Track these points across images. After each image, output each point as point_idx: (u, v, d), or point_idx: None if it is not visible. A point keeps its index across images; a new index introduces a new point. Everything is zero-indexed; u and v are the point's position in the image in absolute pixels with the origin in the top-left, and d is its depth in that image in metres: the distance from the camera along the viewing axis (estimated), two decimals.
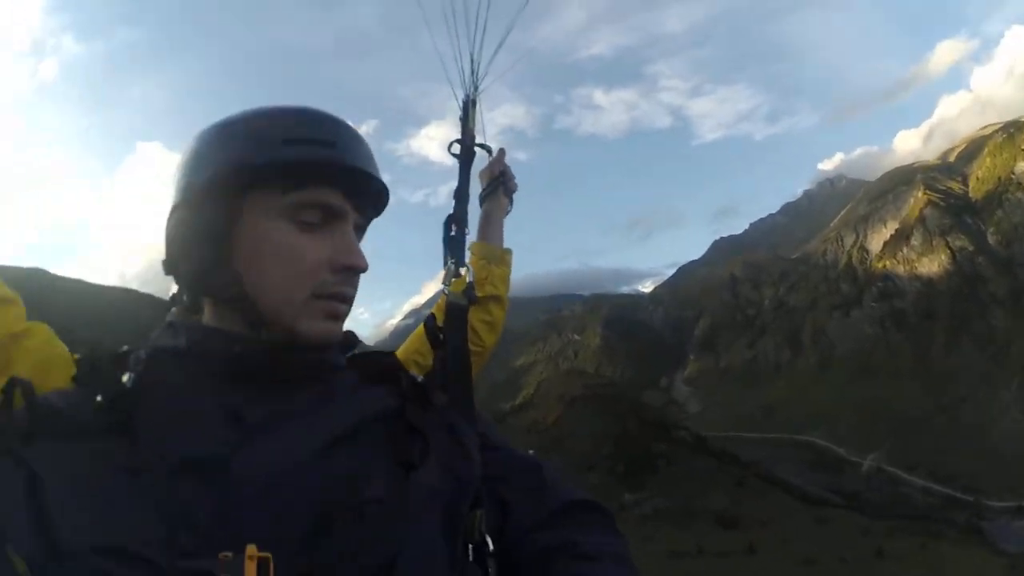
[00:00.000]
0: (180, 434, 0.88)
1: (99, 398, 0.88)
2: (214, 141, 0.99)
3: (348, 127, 1.02)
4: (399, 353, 1.80)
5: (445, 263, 1.71)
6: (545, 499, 1.10)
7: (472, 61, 1.90)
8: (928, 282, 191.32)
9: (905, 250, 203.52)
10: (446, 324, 1.47)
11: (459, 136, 1.93)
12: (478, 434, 1.13)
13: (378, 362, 1.13)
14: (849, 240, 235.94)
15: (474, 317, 1.81)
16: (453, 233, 1.77)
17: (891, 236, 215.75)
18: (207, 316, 1.02)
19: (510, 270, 2.14)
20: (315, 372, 1.01)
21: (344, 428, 0.96)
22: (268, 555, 0.79)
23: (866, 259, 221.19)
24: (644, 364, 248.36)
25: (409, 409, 1.04)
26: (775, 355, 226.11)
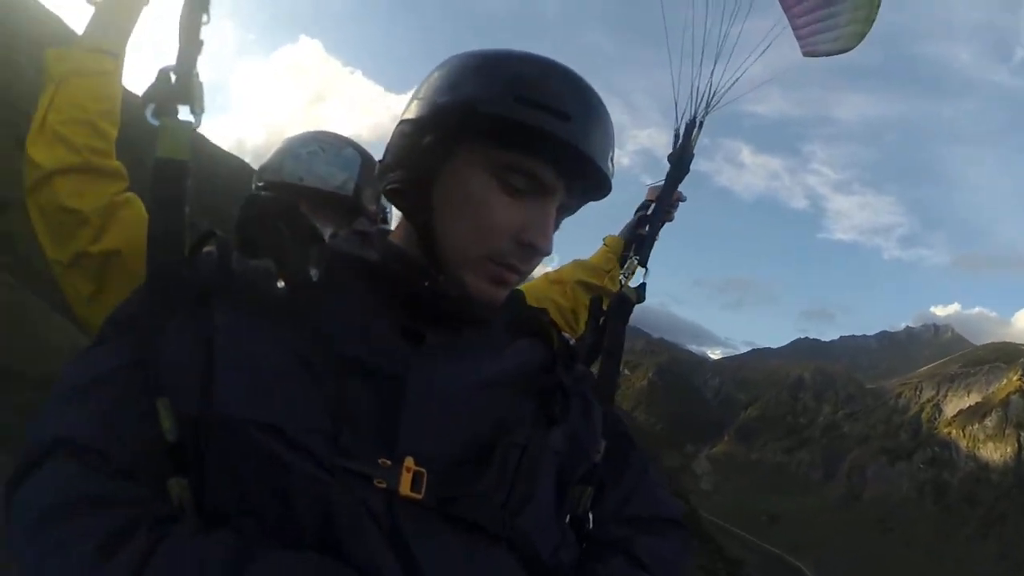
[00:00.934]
0: (359, 339, 0.91)
1: (281, 283, 0.91)
2: (460, 72, 0.98)
3: (593, 102, 0.99)
4: (528, 287, 1.87)
5: (628, 258, 1.88)
6: (637, 501, 1.13)
7: (710, 85, 1.92)
8: (984, 467, 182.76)
9: (976, 427, 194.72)
10: (613, 312, 1.56)
11: (671, 152, 1.99)
12: (607, 416, 1.16)
13: (536, 317, 1.15)
14: (927, 394, 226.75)
15: (581, 301, 1.89)
16: (646, 231, 1.92)
17: (969, 407, 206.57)
18: (396, 235, 1.06)
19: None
20: (482, 320, 1.02)
21: (506, 373, 1.01)
22: (423, 470, 0.83)
23: (935, 419, 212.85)
24: (679, 425, 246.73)
25: (560, 368, 1.08)
26: (806, 471, 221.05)
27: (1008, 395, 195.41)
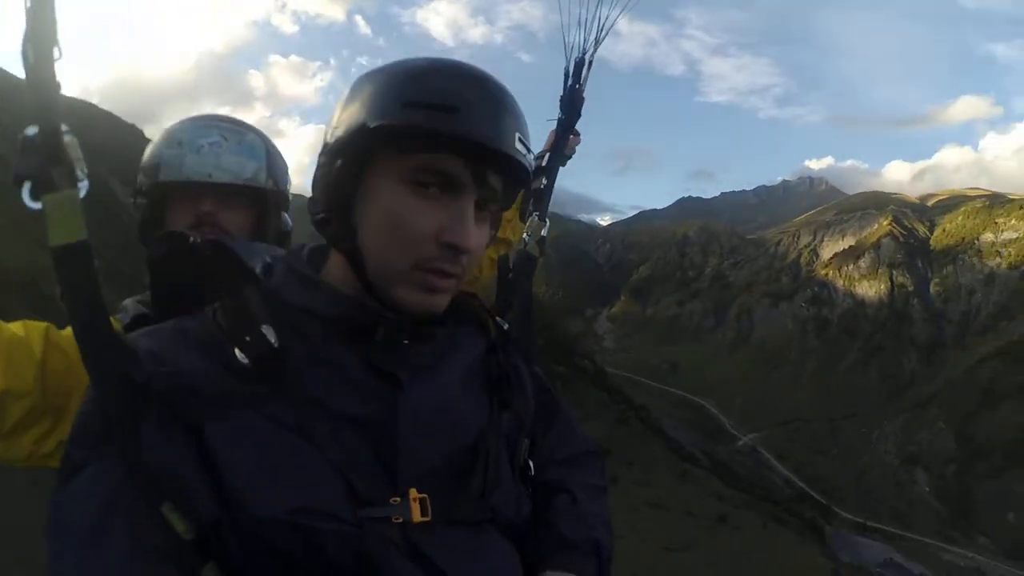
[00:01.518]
0: (337, 391, 0.92)
1: (240, 355, 0.88)
2: (352, 95, 0.97)
3: (484, 89, 0.94)
4: None
5: (527, 214, 1.75)
6: (564, 444, 1.26)
7: (598, 20, 1.81)
8: (860, 303, 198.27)
9: (851, 267, 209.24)
10: (518, 269, 1.56)
11: (562, 95, 1.89)
12: (533, 376, 1.25)
13: (469, 304, 1.16)
14: (805, 240, 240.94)
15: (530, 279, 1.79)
16: (543, 185, 1.81)
17: (843, 250, 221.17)
18: (331, 265, 1.02)
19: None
20: (430, 335, 1.02)
21: (462, 374, 1.05)
22: (425, 495, 0.90)
23: (813, 263, 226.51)
24: (577, 292, 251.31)
25: (500, 355, 1.13)
26: (698, 320, 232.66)
27: (879, 238, 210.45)
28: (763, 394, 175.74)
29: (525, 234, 1.70)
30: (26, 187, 0.93)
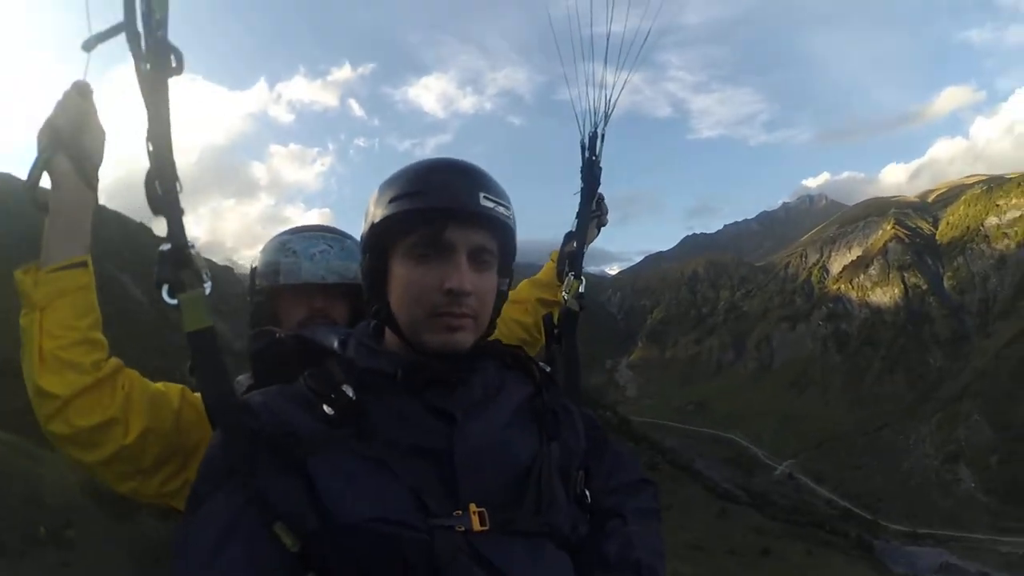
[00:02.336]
0: (405, 430, 1.16)
1: (328, 409, 1.15)
2: (370, 203, 1.27)
3: (444, 169, 1.24)
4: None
5: (564, 275, 2.02)
6: (617, 473, 1.45)
7: (605, 97, 2.06)
8: (876, 311, 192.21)
9: (862, 277, 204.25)
10: (563, 325, 1.83)
11: (581, 166, 2.14)
12: (583, 415, 1.45)
13: (512, 354, 1.38)
14: (813, 258, 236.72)
15: (574, 333, 1.97)
16: (574, 248, 2.06)
17: (852, 261, 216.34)
18: (388, 336, 1.29)
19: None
20: (468, 372, 1.25)
21: (511, 411, 1.27)
22: (484, 509, 1.11)
23: (824, 279, 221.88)
24: (594, 344, 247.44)
25: (545, 394, 1.34)
26: (718, 355, 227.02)
27: (885, 243, 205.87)
28: (793, 419, 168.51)
29: (564, 293, 1.95)
30: (164, 289, 1.26)
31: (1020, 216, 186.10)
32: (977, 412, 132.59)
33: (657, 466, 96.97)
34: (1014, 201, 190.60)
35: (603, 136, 2.13)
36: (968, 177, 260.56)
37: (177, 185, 1.28)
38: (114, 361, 1.42)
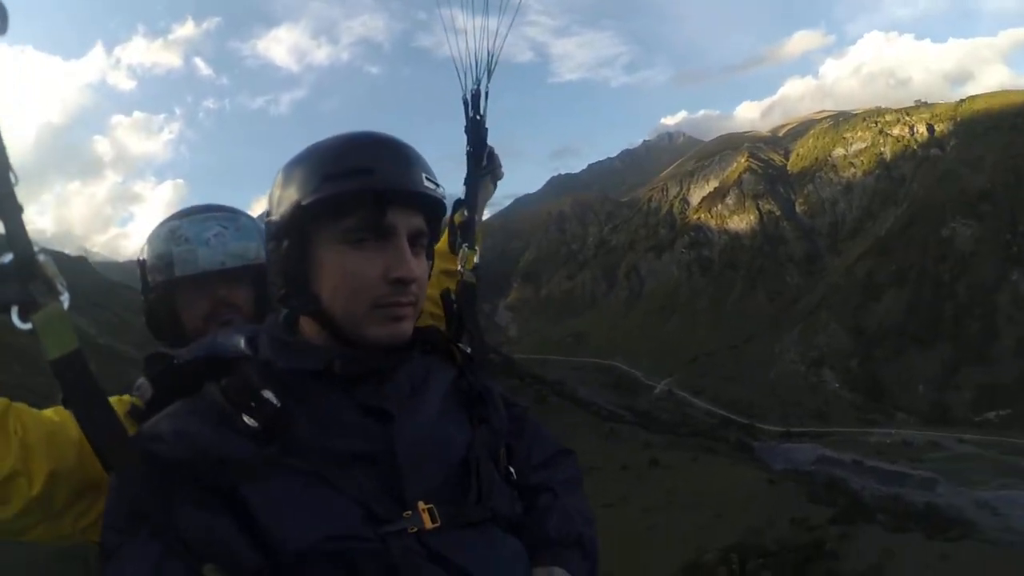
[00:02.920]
0: (340, 435, 1.06)
1: (249, 420, 1.00)
2: (279, 184, 1.13)
3: (387, 147, 1.12)
4: None
5: (457, 246, 1.87)
6: (538, 449, 1.40)
7: (488, 53, 1.94)
8: (735, 237, 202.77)
9: (720, 207, 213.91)
10: (461, 299, 1.73)
11: (466, 124, 2.00)
12: (500, 394, 1.38)
13: (433, 336, 1.30)
14: (673, 191, 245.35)
15: (474, 306, 1.88)
16: (465, 218, 1.92)
17: (710, 192, 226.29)
18: (303, 326, 1.16)
19: (480, 242, 2.12)
20: (402, 363, 1.17)
21: (440, 400, 1.21)
22: (431, 505, 1.06)
23: (685, 210, 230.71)
24: None
25: (470, 377, 1.30)
26: (591, 288, 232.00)
27: (740, 175, 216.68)
28: (666, 341, 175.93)
29: (459, 265, 1.83)
30: (14, 311, 0.99)
31: (865, 148, 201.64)
32: (834, 321, 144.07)
33: (545, 398, 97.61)
34: (859, 134, 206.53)
35: (487, 93, 2.00)
36: (817, 113, 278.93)
37: (11, 177, 1.00)
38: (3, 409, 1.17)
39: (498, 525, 1.16)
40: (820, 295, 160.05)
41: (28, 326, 0.99)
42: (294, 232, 1.10)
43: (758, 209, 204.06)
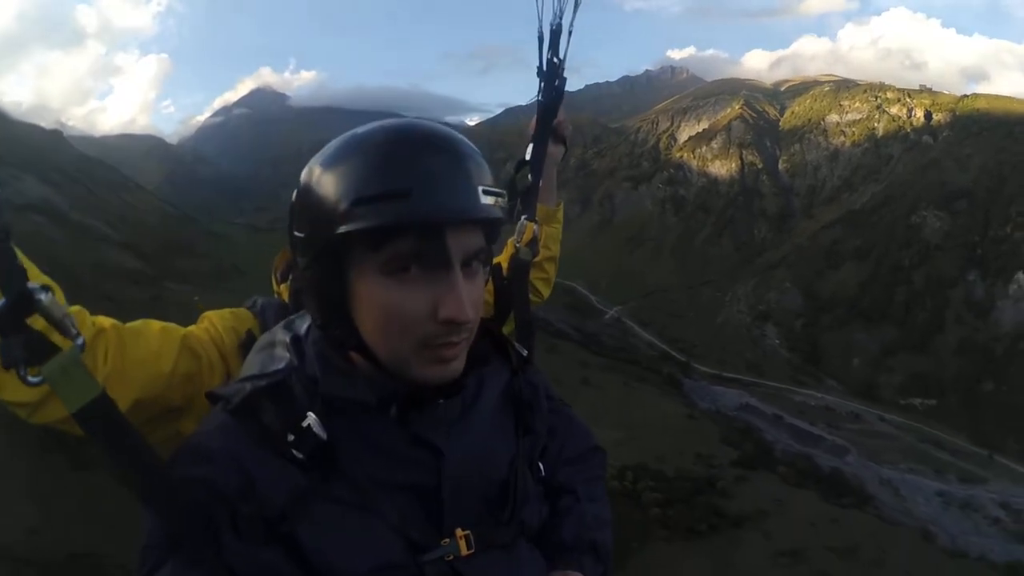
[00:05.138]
0: (386, 466, 1.03)
1: (298, 453, 0.95)
2: (304, 198, 0.97)
3: (433, 153, 0.92)
4: None
5: (516, 216, 1.62)
6: (570, 444, 1.35)
7: None
8: (713, 181, 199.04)
9: (704, 149, 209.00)
10: (512, 278, 1.55)
11: (539, 66, 1.70)
12: (544, 387, 1.32)
13: (491, 342, 1.22)
14: (664, 126, 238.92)
15: (533, 276, 1.71)
16: (528, 181, 1.66)
17: (698, 133, 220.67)
18: (351, 352, 1.04)
19: (561, 225, 1.99)
20: (458, 388, 1.07)
21: (490, 414, 1.16)
22: (468, 532, 1.05)
23: (671, 147, 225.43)
24: None
25: (521, 385, 1.22)
26: (566, 208, 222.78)
27: (731, 120, 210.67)
28: (628, 271, 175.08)
29: (515, 239, 1.61)
30: (21, 369, 0.85)
31: (859, 119, 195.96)
32: (790, 280, 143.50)
33: None
34: (857, 104, 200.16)
35: (571, 31, 1.72)
36: (823, 75, 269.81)
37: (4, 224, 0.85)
38: (89, 329, 1.11)
39: (525, 537, 1.15)
40: (782, 254, 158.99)
41: (38, 381, 0.87)
42: (325, 259, 0.95)
43: (741, 158, 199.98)
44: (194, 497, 0.91)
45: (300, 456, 0.95)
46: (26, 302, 0.85)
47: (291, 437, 0.96)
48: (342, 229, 0.89)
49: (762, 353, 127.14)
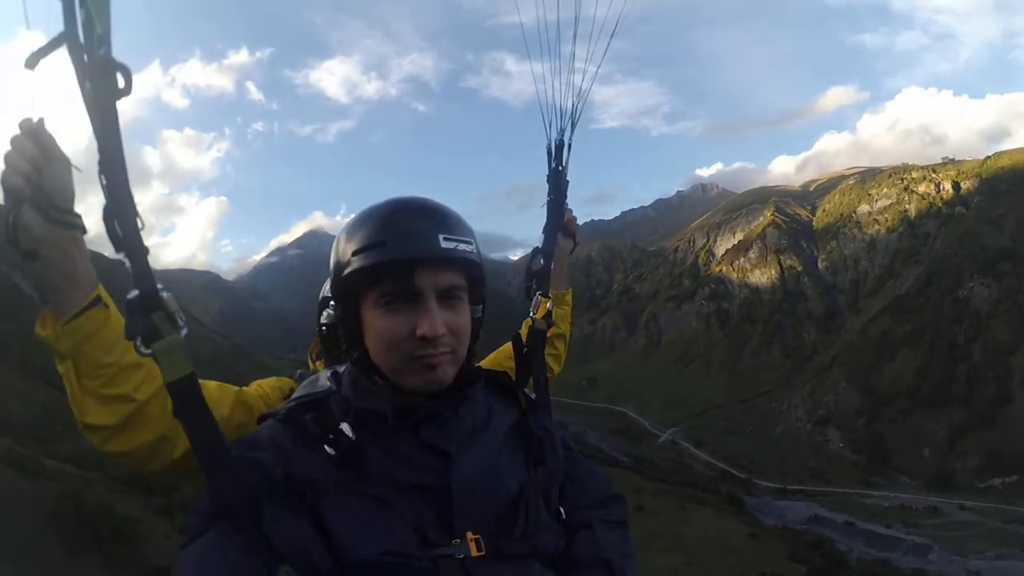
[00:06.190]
0: (403, 468, 1.19)
1: (329, 449, 1.18)
2: (334, 251, 1.29)
3: (404, 216, 1.23)
4: (487, 363, 2.08)
5: (531, 293, 1.93)
6: (590, 490, 1.47)
7: (572, 105, 1.95)
8: (755, 290, 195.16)
9: (742, 260, 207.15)
10: (530, 344, 1.82)
11: (548, 174, 2.01)
12: (560, 436, 1.48)
13: (500, 380, 1.43)
14: (700, 242, 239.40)
15: (545, 352, 1.92)
16: (540, 266, 1.98)
17: (734, 245, 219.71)
18: (375, 374, 1.28)
19: (571, 308, 2.33)
20: (458, 403, 1.28)
21: (500, 439, 1.32)
22: (479, 535, 1.17)
23: (709, 262, 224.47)
24: (493, 329, 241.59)
25: (531, 420, 1.39)
26: (611, 334, 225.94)
27: (764, 228, 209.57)
28: (679, 390, 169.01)
29: (531, 312, 1.88)
30: (138, 340, 1.14)
31: (890, 204, 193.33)
32: (844, 379, 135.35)
33: None
34: (885, 191, 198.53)
35: (570, 145, 2.00)
36: (849, 169, 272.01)
37: (139, 222, 1.15)
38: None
39: (540, 561, 1.25)
40: (834, 353, 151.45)
41: (149, 352, 1.13)
42: (343, 298, 1.26)
43: (779, 264, 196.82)
44: (247, 474, 1.12)
45: (333, 453, 1.17)
46: (153, 296, 1.15)
47: (327, 440, 1.19)
48: (345, 272, 1.22)
49: (826, 459, 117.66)
